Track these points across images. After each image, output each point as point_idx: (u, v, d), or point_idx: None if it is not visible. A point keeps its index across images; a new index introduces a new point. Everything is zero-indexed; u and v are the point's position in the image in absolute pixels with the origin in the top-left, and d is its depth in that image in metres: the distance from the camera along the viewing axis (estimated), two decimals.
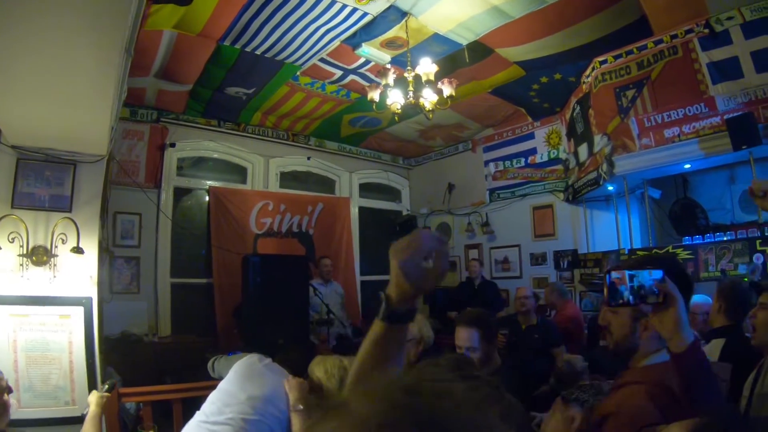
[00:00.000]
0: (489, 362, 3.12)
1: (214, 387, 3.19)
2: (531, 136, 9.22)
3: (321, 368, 3.21)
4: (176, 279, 7.69)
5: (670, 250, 6.17)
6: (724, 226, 6.79)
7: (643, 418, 1.53)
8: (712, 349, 3.17)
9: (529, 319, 5.51)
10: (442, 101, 5.84)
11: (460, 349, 3.11)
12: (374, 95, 5.80)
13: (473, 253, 9.85)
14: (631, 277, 1.51)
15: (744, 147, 5.44)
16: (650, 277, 1.51)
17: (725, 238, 5.96)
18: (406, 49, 6.14)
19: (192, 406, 3.25)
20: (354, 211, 10.16)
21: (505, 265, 9.42)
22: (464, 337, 3.10)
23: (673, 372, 1.47)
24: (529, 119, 9.10)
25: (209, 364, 4.00)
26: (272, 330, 6.22)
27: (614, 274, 1.55)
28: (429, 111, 5.88)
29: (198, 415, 3.01)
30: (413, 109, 6.11)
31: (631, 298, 1.52)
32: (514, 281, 8.86)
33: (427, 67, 5.65)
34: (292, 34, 6.02)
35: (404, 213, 11.04)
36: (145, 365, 6.15)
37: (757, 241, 5.52)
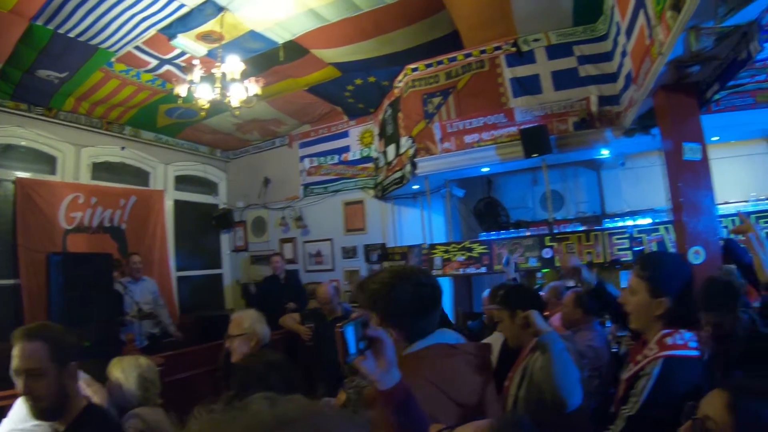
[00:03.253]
0: (62, 397, 2.29)
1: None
2: (345, 135, 9.57)
3: (118, 369, 3.28)
4: None
5: (468, 245, 6.75)
6: (525, 223, 7.53)
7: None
8: (495, 340, 3.55)
9: (333, 312, 5.76)
10: (248, 99, 5.91)
11: (19, 374, 2.25)
12: (180, 90, 5.72)
13: (287, 247, 10.01)
14: (347, 331, 1.51)
15: (534, 155, 6.15)
16: (359, 325, 1.53)
17: (517, 235, 6.64)
18: (220, 44, 6.13)
19: None
20: (168, 204, 9.73)
21: (318, 259, 9.67)
22: (25, 355, 2.23)
23: (383, 406, 1.53)
24: (345, 118, 9.44)
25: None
26: (79, 331, 5.94)
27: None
28: (235, 108, 5.94)
29: (5, 423, 2.90)
30: (224, 104, 6.10)
31: (356, 350, 1.52)
32: (327, 274, 9.17)
33: (233, 65, 5.67)
34: (108, 19, 5.75)
35: (221, 206, 10.84)
36: None
37: (546, 238, 6.27)
